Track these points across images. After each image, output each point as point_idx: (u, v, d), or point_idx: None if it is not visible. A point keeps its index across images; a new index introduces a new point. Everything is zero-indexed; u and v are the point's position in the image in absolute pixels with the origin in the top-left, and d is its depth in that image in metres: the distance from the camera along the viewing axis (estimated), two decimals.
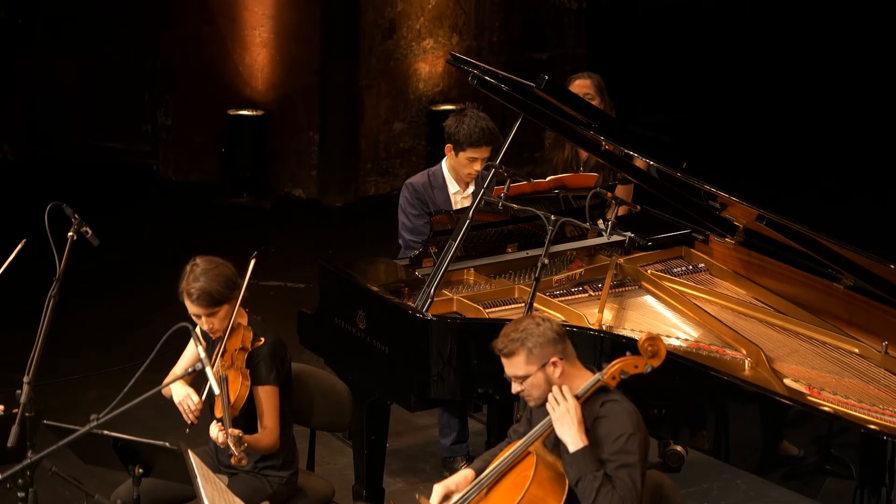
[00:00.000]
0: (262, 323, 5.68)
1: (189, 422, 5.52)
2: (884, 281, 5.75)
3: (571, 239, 6.78)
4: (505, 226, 6.70)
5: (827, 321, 6.07)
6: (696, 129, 12.27)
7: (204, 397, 5.49)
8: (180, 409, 5.53)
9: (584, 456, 4.78)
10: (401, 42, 11.61)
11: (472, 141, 6.74)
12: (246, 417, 5.53)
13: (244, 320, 5.60)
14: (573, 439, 4.79)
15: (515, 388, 4.93)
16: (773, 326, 6.13)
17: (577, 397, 4.84)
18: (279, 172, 11.71)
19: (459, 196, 6.96)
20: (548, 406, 4.87)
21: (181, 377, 5.49)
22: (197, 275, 5.46)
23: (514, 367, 4.90)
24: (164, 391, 5.61)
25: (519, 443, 4.95)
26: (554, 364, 4.87)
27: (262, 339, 5.58)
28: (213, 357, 5.46)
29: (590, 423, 4.86)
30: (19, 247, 5.47)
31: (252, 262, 5.58)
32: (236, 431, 5.28)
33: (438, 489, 5.05)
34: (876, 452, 5.14)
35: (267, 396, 5.56)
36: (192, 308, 5.49)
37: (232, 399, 5.41)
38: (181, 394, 5.54)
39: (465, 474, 5.09)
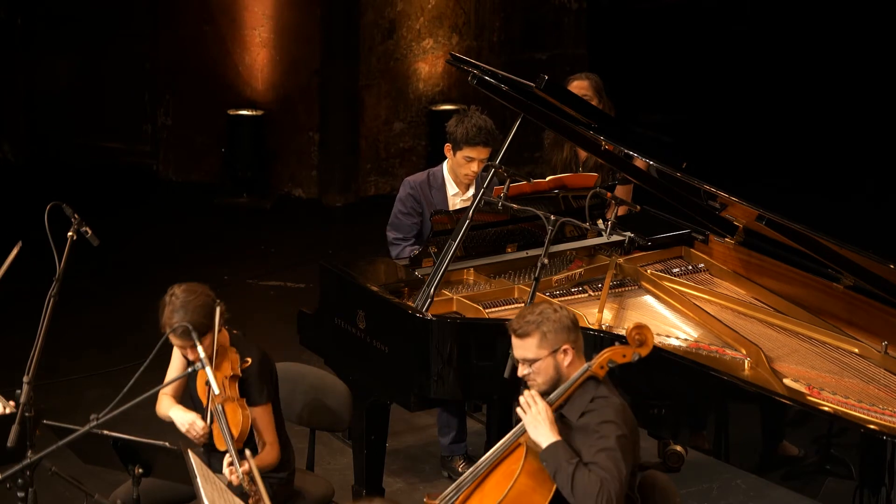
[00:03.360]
0: (244, 339, 5.64)
1: (200, 445, 5.54)
2: (884, 281, 5.74)
3: (571, 239, 6.77)
4: (505, 226, 6.70)
5: (827, 321, 6.07)
6: (696, 129, 12.27)
7: (209, 422, 5.47)
8: (188, 436, 5.53)
9: (557, 448, 4.82)
10: (401, 42, 11.60)
11: (468, 139, 6.75)
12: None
13: (227, 341, 5.55)
14: (546, 437, 4.84)
15: (522, 370, 4.97)
16: (773, 326, 6.12)
17: (568, 386, 4.88)
18: (279, 172, 11.69)
19: (458, 198, 6.95)
20: (518, 410, 4.91)
21: (182, 377, 5.49)
22: (176, 307, 5.36)
23: (525, 349, 4.93)
24: (164, 416, 5.65)
25: (510, 434, 4.98)
26: (565, 351, 4.91)
27: (249, 360, 5.52)
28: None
29: (577, 417, 4.89)
30: (15, 250, 5.46)
31: (217, 311, 5.40)
32: (245, 468, 5.08)
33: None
34: (876, 452, 5.14)
35: (262, 416, 5.53)
36: (175, 342, 5.42)
37: (235, 433, 5.37)
38: (186, 421, 5.53)
39: None
